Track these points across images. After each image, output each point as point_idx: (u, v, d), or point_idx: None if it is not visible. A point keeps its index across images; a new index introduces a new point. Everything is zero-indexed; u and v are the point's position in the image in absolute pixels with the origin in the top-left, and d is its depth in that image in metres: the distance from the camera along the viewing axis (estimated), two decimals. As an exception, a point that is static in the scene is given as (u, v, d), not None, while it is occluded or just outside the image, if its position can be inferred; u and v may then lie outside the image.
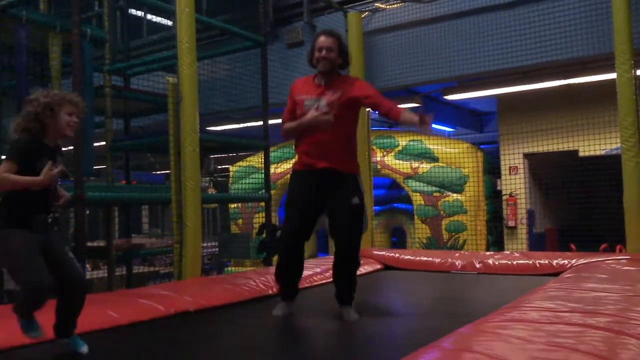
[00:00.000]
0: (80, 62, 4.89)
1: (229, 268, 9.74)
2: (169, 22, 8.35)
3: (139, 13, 8.69)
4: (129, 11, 7.71)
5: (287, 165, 10.52)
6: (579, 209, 9.21)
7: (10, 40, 5.45)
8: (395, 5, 7.40)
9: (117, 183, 7.31)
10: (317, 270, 5.20)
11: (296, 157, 3.75)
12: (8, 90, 6.07)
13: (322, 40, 3.59)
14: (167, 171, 13.40)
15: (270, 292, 4.45)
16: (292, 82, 3.78)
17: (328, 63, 3.56)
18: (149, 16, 8.80)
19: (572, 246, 7.49)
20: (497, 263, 5.53)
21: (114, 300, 3.90)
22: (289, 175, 11.07)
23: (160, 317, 3.59)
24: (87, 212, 5.85)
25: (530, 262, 5.40)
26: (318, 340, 3.22)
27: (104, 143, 6.58)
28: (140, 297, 3.93)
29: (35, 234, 2.70)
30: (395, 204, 10.54)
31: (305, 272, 5.01)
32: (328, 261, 5.82)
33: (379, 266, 5.87)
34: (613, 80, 5.67)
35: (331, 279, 5.06)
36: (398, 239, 10.79)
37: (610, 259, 5.08)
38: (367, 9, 7.57)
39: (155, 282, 8.58)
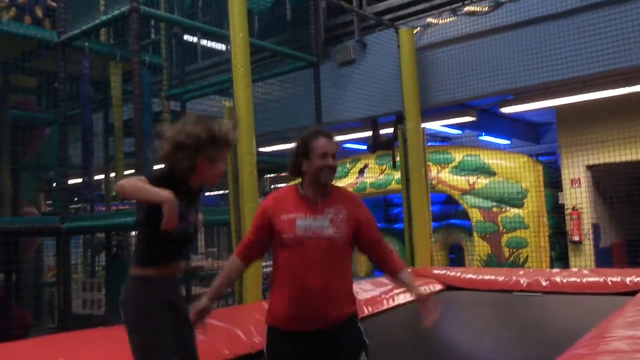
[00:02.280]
0: (139, 89, 5.01)
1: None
2: (222, 47, 8.51)
3: (194, 39, 8.89)
4: (184, 38, 7.90)
5: (340, 184, 10.50)
6: (648, 221, 8.78)
7: (74, 71, 5.67)
8: (448, 20, 7.30)
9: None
10: (376, 292, 5.11)
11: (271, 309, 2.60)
12: (72, 119, 6.30)
13: (325, 143, 2.60)
14: (221, 192, 13.58)
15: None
16: (268, 196, 2.74)
17: (332, 176, 2.63)
18: (202, 42, 8.99)
19: (643, 261, 7.13)
20: (565, 281, 5.29)
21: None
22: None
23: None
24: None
25: (602, 280, 5.14)
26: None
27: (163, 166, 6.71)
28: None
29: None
30: (452, 220, 10.32)
31: (366, 295, 4.94)
32: (387, 282, 5.72)
33: (440, 286, 5.71)
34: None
35: (391, 302, 4.99)
36: (456, 256, 10.55)
37: (689, 276, 4.79)
38: (419, 25, 7.49)
39: (215, 304, 8.66)
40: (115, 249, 6.45)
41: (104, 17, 5.39)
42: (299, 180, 2.66)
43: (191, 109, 7.28)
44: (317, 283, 2.47)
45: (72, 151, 6.81)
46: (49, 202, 9.50)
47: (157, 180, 2.27)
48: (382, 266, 2.71)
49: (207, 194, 15.87)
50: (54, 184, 7.40)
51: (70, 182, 7.26)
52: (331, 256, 2.53)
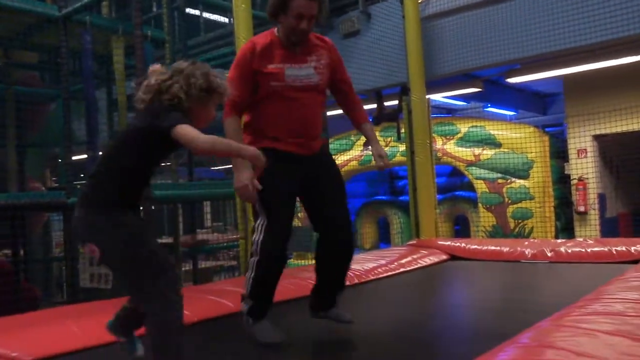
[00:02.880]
0: (143, 63, 4.99)
1: (291, 261, 9.82)
2: (225, 19, 8.44)
3: (196, 12, 8.82)
4: (187, 11, 7.83)
5: (345, 157, 10.49)
6: (654, 191, 8.76)
7: (76, 45, 5.65)
8: (453, -12, 7.19)
9: (181, 180, 7.47)
10: (381, 262, 5.14)
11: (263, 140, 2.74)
12: (75, 94, 6.29)
13: (305, 4, 2.60)
14: (226, 166, 13.60)
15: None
16: (243, 48, 2.76)
17: (306, 36, 2.71)
18: (205, 14, 8.92)
19: (649, 231, 7.12)
20: (570, 251, 5.29)
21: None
22: (347, 167, 11.04)
23: (228, 313, 3.61)
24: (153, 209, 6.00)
25: (606, 249, 5.14)
26: (385, 336, 3.16)
27: (167, 141, 6.72)
28: (212, 294, 3.98)
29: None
30: (458, 192, 10.32)
31: (369, 265, 4.98)
32: (392, 252, 5.75)
33: (445, 257, 5.74)
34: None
35: (395, 272, 5.03)
36: (461, 227, 10.58)
37: (694, 245, 4.78)
38: (424, -6, 7.39)
39: (220, 276, 8.76)
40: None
41: (104, -10, 5.35)
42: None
43: (194, 82, 7.25)
44: (306, 124, 2.75)
45: (77, 127, 6.82)
46: (55, 178, 9.56)
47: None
48: (349, 113, 2.99)
49: (212, 168, 15.92)
50: (60, 160, 7.42)
51: (76, 158, 7.30)
52: (316, 99, 2.78)
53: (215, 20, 9.02)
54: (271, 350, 2.80)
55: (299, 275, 4.56)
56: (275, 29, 2.75)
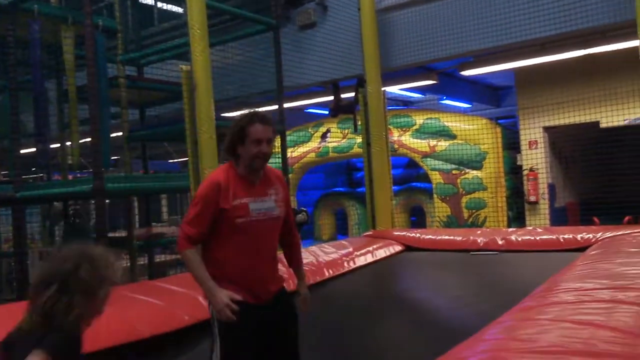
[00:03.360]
0: (93, 53, 4.88)
1: None
2: (180, 10, 8.29)
3: (150, 1, 8.64)
4: (140, 0, 7.67)
5: (303, 149, 10.50)
6: (600, 181, 9.06)
7: (24, 35, 5.46)
8: (408, -19, 7.25)
9: (135, 173, 7.34)
10: (339, 253, 5.18)
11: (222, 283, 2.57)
12: (24, 85, 6.09)
13: (260, 129, 2.60)
14: (183, 159, 13.43)
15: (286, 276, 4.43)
16: (206, 182, 2.71)
17: (265, 162, 2.69)
18: (159, 4, 8.74)
19: (596, 219, 7.38)
20: (520, 239, 5.45)
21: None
22: (305, 159, 11.05)
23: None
24: (107, 202, 5.88)
25: (554, 238, 5.32)
26: (339, 332, 3.19)
27: (120, 134, 6.59)
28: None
29: None
30: (414, 183, 10.47)
31: (327, 256, 5.01)
32: (349, 244, 5.80)
33: (400, 247, 5.82)
34: (634, 48, 5.51)
35: (352, 263, 5.07)
36: (417, 218, 10.74)
37: (637, 232, 4.98)
38: (379, -14, 7.43)
39: (177, 270, 8.65)
40: (72, 218, 6.35)
41: (52, -22, 5.18)
42: (233, 159, 2.67)
43: (148, 73, 7.12)
44: (265, 261, 2.64)
45: (27, 119, 6.61)
46: (4, 172, 9.25)
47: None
48: (286, 250, 2.85)
49: (170, 160, 15.69)
50: (8, 153, 7.19)
51: (26, 150, 7.08)
52: (275, 234, 2.73)
53: (169, 10, 8.85)
54: None
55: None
56: (232, 162, 2.69)
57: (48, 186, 5.62)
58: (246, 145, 2.60)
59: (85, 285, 1.75)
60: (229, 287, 2.52)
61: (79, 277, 1.74)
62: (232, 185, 2.62)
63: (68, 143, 6.46)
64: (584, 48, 7.26)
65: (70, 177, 7.00)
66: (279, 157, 6.99)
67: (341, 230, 11.50)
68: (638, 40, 5.38)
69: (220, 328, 2.50)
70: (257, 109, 2.70)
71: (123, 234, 6.92)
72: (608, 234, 5.07)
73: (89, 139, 5.08)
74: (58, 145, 6.89)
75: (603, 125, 7.89)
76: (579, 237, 5.20)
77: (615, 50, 7.06)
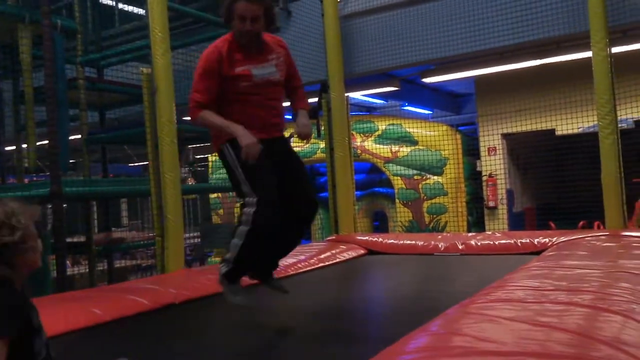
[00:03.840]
0: (51, 54, 4.78)
1: (212, 258, 9.70)
2: (142, 11, 8.19)
3: (110, 2, 8.51)
4: (100, 0, 7.55)
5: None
6: (556, 187, 9.34)
7: (-22, 34, 5.31)
8: (371, -11, 7.35)
9: (94, 176, 7.20)
10: (300, 257, 5.18)
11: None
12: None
13: (244, 7, 2.88)
14: (144, 162, 13.25)
15: (255, 281, 4.42)
16: (205, 55, 3.01)
17: (254, 35, 2.99)
18: (120, 5, 8.62)
19: (552, 224, 7.59)
20: (479, 244, 5.56)
21: (96, 296, 3.84)
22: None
23: (145, 311, 3.55)
24: (65, 207, 5.75)
25: (512, 242, 5.44)
26: (303, 328, 3.21)
27: (79, 136, 6.46)
28: (124, 292, 3.88)
29: None
30: (376, 188, 10.57)
31: (289, 260, 5.01)
32: (312, 248, 5.82)
33: (362, 251, 5.87)
34: (588, 59, 5.70)
35: (315, 266, 5.09)
36: (380, 223, 10.84)
37: (590, 236, 5.15)
38: (343, -7, 7.50)
39: (138, 276, 8.52)
40: (29, 222, 6.17)
41: (9, -24, 5.06)
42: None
43: (109, 75, 7.01)
44: (270, 115, 3.07)
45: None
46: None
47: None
48: (292, 102, 3.30)
49: (130, 164, 15.43)
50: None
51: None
52: (277, 94, 3.14)
53: (130, 12, 8.73)
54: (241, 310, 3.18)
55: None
56: (232, 33, 3.02)
57: (3, 189, 5.46)
58: (234, 21, 2.94)
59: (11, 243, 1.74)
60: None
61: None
62: (234, 54, 2.96)
63: (24, 145, 6.30)
64: (541, 58, 7.48)
65: (26, 180, 6.82)
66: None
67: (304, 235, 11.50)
68: (591, 52, 5.57)
69: (242, 166, 2.92)
70: None
71: (82, 238, 6.77)
72: (563, 238, 5.22)
73: (46, 142, 4.97)
74: (14, 147, 6.72)
75: (559, 132, 8.13)
76: (535, 241, 5.33)
77: (570, 60, 7.29)
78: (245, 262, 3.06)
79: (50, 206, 6.21)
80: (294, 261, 5.01)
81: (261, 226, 2.90)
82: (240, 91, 2.98)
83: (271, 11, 3.05)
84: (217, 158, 11.73)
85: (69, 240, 6.27)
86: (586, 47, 5.74)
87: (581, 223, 7.11)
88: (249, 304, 3.14)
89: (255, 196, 2.91)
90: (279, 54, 3.14)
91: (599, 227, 6.40)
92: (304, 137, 3.15)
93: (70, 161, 5.73)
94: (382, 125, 9.64)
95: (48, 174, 4.98)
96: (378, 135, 9.60)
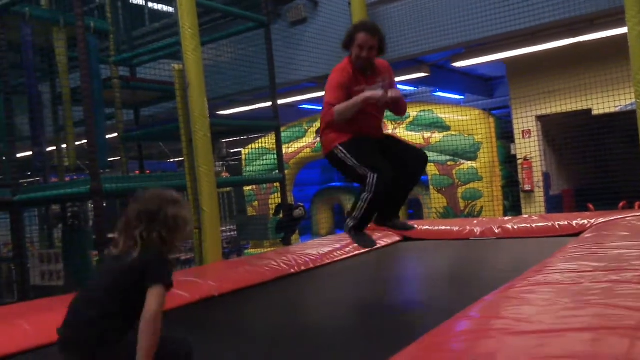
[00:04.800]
0: (86, 55, 4.90)
1: (248, 250, 9.81)
2: (171, 9, 8.31)
3: (140, 2, 8.65)
4: (130, 0, 7.68)
5: (298, 145, 10.53)
6: (594, 168, 9.13)
7: (16, 38, 5.48)
8: (397, -25, 7.29)
9: (131, 173, 7.36)
10: (336, 246, 5.22)
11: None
12: (18, 88, 6.11)
13: (363, 38, 3.60)
14: (179, 159, 13.45)
15: (292, 270, 4.49)
16: (336, 72, 3.69)
17: (368, 62, 3.68)
18: (150, 4, 8.76)
19: (590, 206, 7.44)
20: (516, 227, 5.51)
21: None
22: (301, 154, 11.05)
23: (185, 304, 3.62)
24: (105, 204, 5.90)
25: (550, 224, 5.37)
26: (344, 316, 3.25)
27: (115, 135, 6.61)
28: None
29: None
30: (409, 176, 10.50)
31: (325, 249, 5.06)
32: (346, 237, 5.85)
33: (397, 238, 5.87)
34: (623, 35, 5.56)
35: (351, 254, 5.13)
36: (414, 211, 10.79)
37: (631, 216, 5.05)
38: (369, -20, 7.46)
39: (177, 269, 8.68)
40: (71, 220, 6.37)
41: (42, -19, 5.19)
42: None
43: (141, 73, 7.14)
44: (374, 125, 3.82)
45: (22, 122, 6.63)
46: (0, 176, 9.26)
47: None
48: (394, 108, 3.90)
49: (167, 160, 15.68)
50: (3, 157, 7.20)
51: (23, 154, 7.09)
52: (382, 109, 3.82)
53: (159, 10, 8.86)
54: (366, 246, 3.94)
55: (256, 264, 4.60)
56: (350, 57, 3.70)
57: (45, 189, 5.64)
58: (353, 48, 3.63)
59: (173, 222, 2.16)
60: (350, 135, 3.65)
61: (167, 215, 2.16)
62: (355, 75, 3.65)
63: (64, 145, 6.48)
64: (573, 37, 7.30)
65: (67, 179, 7.02)
66: (273, 154, 7.03)
67: (339, 225, 11.54)
68: (626, 28, 5.43)
69: (347, 152, 3.64)
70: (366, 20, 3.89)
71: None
72: (602, 219, 5.13)
73: (84, 141, 5.11)
74: (54, 147, 6.92)
75: (595, 112, 7.94)
76: (574, 223, 5.26)
77: (604, 38, 7.11)
78: (367, 219, 3.82)
79: (91, 203, 6.38)
80: (330, 249, 5.06)
81: (378, 193, 3.59)
82: None
83: (383, 42, 3.72)
84: (249, 151, 11.62)
85: (110, 235, 6.44)
86: (621, 24, 5.60)
87: (621, 204, 6.94)
88: (372, 245, 3.97)
89: (370, 171, 3.58)
90: (385, 75, 3.80)
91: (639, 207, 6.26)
92: (396, 98, 3.70)
93: (108, 159, 5.86)
94: (413, 112, 9.55)
95: (88, 172, 5.12)
96: (409, 122, 9.53)
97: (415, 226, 4.38)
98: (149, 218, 2.16)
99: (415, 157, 3.91)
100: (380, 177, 3.59)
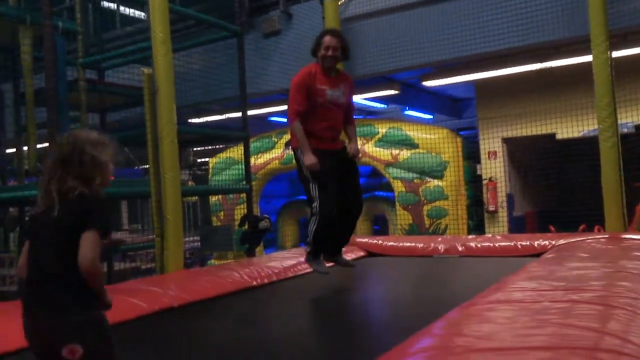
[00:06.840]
0: (52, 55, 4.79)
1: (212, 261, 9.68)
2: (143, 14, 8.22)
3: (113, 6, 8.54)
4: (101, 3, 7.57)
5: (268, 156, 10.48)
6: (557, 191, 9.32)
7: (-21, 35, 5.32)
8: (372, -8, 7.36)
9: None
10: (300, 259, 5.17)
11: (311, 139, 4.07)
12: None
13: (328, 40, 4.07)
14: (146, 166, 13.25)
15: (254, 283, 4.42)
16: (298, 75, 4.06)
17: (333, 61, 4.08)
18: (122, 8, 8.65)
19: (552, 228, 7.57)
20: (479, 246, 5.56)
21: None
22: (270, 166, 10.98)
23: (144, 315, 3.53)
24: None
25: (512, 244, 5.43)
26: (305, 331, 3.21)
27: (79, 138, 6.45)
28: (123, 293, 3.87)
29: None
30: (377, 192, 10.55)
31: (288, 262, 5.02)
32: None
33: (362, 253, 5.86)
34: (588, 62, 5.71)
35: (312, 269, 5.08)
36: (380, 227, 10.82)
37: (590, 239, 5.14)
38: (344, -4, 7.52)
39: (137, 279, 8.50)
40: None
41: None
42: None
43: (110, 77, 7.02)
44: (335, 129, 4.17)
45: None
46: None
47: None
48: (345, 126, 4.30)
49: (132, 167, 15.42)
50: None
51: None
52: (339, 114, 4.19)
53: (132, 16, 8.76)
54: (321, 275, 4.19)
55: (218, 274, 4.53)
56: (317, 62, 4.11)
57: (2, 190, 5.46)
58: (320, 50, 4.04)
59: (94, 159, 1.99)
60: (315, 140, 4.01)
61: (83, 155, 1.97)
62: (318, 75, 4.02)
63: (25, 148, 6.31)
64: (540, 62, 7.47)
65: (26, 182, 6.81)
66: (241, 164, 6.97)
67: (305, 238, 11.48)
68: (591, 56, 5.57)
69: (310, 172, 3.97)
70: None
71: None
72: (563, 241, 5.21)
73: (46, 144, 4.97)
74: (14, 149, 6.72)
75: (559, 137, 8.12)
76: (535, 243, 5.33)
77: (571, 65, 7.29)
78: (319, 242, 4.10)
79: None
80: (294, 263, 5.01)
81: (324, 216, 3.95)
82: (316, 105, 4.02)
83: (347, 48, 4.18)
84: (217, 161, 11.56)
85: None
86: (586, 51, 5.75)
87: (582, 226, 7.09)
88: (325, 272, 4.20)
89: (321, 194, 3.95)
90: (346, 85, 4.20)
91: (599, 231, 6.39)
92: (356, 156, 4.21)
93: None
94: (382, 129, 9.62)
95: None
96: (379, 138, 9.59)
97: (355, 265, 4.80)
98: (63, 162, 1.96)
99: (358, 203, 4.34)
100: (324, 201, 3.95)
